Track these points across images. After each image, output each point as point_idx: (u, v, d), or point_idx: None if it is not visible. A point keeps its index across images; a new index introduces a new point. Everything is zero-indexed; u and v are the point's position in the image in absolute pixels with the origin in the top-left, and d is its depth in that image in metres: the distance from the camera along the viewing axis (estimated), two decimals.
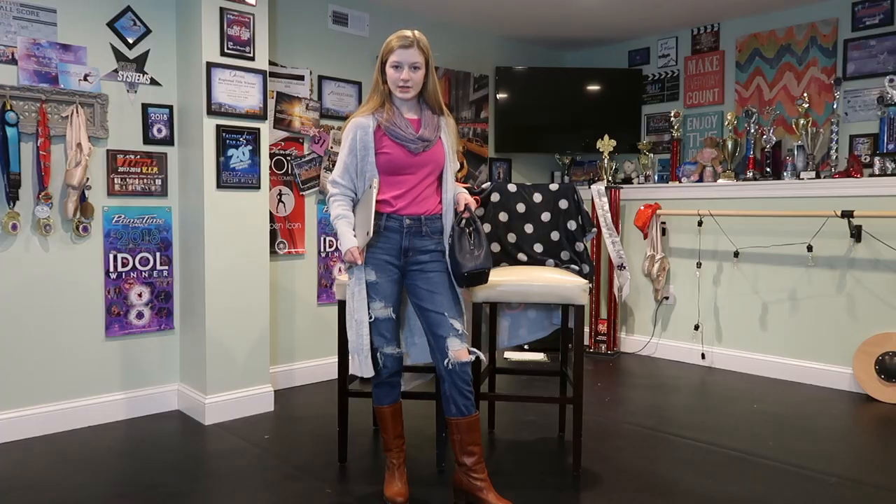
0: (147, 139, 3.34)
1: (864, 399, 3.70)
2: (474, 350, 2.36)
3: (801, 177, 4.01)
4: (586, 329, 4.89)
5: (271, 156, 3.77)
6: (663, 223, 4.68)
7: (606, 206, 4.63)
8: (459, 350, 2.28)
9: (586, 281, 2.63)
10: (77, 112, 3.07)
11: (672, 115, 4.72)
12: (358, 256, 2.27)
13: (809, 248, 3.93)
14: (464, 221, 2.37)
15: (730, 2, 4.20)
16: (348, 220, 2.33)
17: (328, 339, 4.03)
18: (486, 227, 2.98)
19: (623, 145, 4.90)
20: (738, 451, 2.91)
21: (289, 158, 3.88)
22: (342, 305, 2.65)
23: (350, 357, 2.39)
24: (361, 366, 2.34)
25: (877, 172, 3.74)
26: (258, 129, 3.39)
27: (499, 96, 4.96)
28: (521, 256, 2.94)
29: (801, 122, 4.04)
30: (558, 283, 2.59)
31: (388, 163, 2.30)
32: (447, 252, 2.38)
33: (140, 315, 3.35)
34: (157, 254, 3.39)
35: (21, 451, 2.88)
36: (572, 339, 2.70)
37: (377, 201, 2.27)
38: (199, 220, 3.27)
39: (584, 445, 2.81)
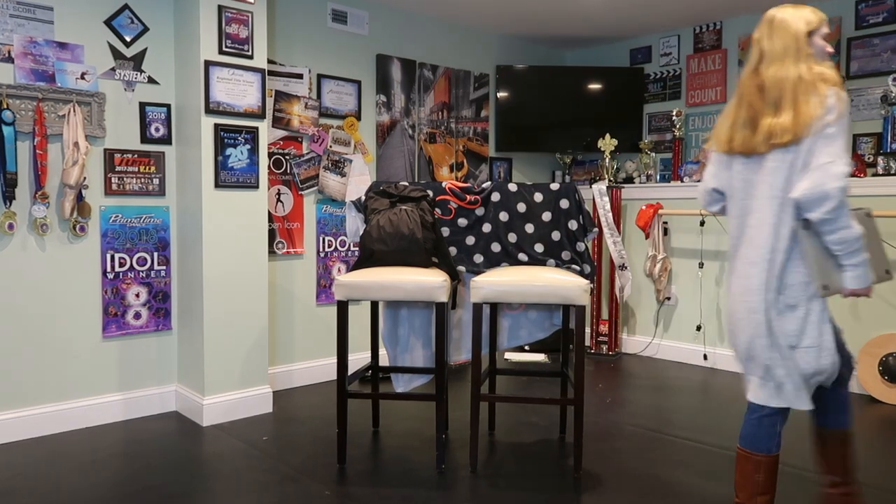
0: (145, 138, 3.32)
1: (868, 400, 3.67)
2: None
3: None
4: (587, 330, 4.87)
5: (270, 155, 3.75)
6: (665, 223, 4.66)
7: (608, 206, 4.60)
8: None
9: (587, 281, 2.61)
10: (74, 111, 3.05)
11: (674, 113, 4.69)
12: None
13: None
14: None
15: (732, 0, 4.18)
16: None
17: (327, 339, 4.01)
18: (487, 227, 2.96)
19: (624, 144, 4.87)
20: None
21: (287, 157, 3.86)
22: (341, 306, 2.63)
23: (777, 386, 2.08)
24: (794, 396, 2.10)
25: (880, 172, 3.72)
26: (256, 128, 3.37)
27: (499, 95, 4.94)
28: (522, 256, 2.92)
29: None
30: (559, 283, 2.56)
31: None
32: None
33: (137, 315, 3.33)
34: (155, 254, 3.37)
35: (18, 452, 2.86)
36: (573, 340, 2.68)
37: None
38: (197, 219, 3.25)
39: (585, 447, 2.80)
